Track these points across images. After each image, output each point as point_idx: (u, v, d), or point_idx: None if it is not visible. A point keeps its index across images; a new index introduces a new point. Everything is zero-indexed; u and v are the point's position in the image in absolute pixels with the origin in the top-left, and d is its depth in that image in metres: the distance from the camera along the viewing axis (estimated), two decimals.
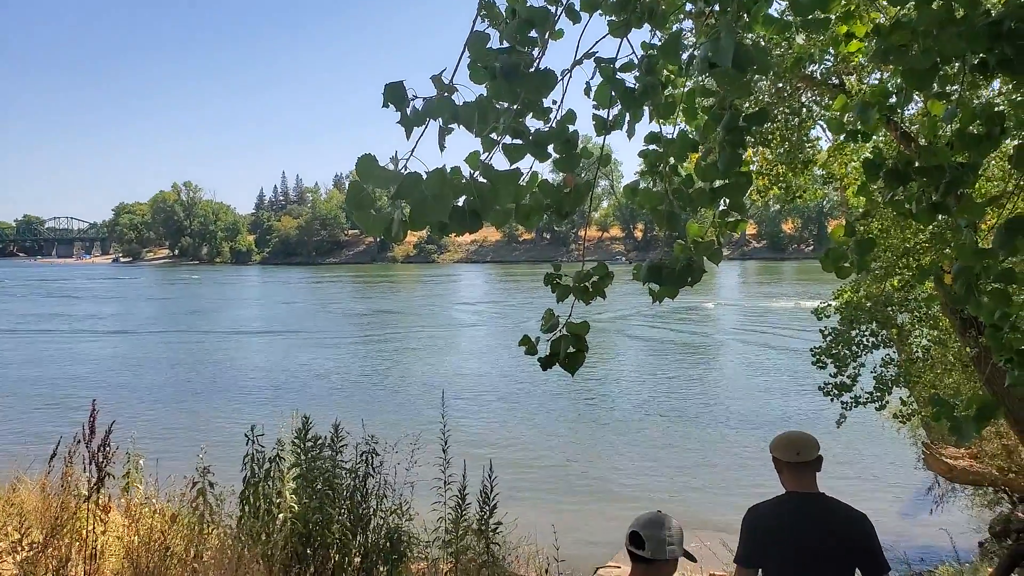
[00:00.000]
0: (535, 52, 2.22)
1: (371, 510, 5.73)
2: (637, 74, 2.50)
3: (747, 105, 6.28)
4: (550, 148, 2.26)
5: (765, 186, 8.72)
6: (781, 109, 8.07)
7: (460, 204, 1.94)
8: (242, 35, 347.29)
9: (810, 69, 7.42)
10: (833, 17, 2.69)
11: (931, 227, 6.57)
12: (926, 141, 5.14)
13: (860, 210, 8.23)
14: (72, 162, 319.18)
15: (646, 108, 2.53)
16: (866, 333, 9.83)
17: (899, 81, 2.62)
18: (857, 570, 3.25)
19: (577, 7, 2.31)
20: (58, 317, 46.75)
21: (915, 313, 9.70)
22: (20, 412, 20.40)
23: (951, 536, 10.10)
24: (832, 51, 6.32)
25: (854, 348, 9.80)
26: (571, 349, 2.37)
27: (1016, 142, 3.36)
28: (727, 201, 2.69)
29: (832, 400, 9.97)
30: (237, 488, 6.03)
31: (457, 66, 1.95)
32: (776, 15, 2.48)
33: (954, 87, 2.70)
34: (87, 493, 5.36)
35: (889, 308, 9.52)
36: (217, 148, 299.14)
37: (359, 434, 5.98)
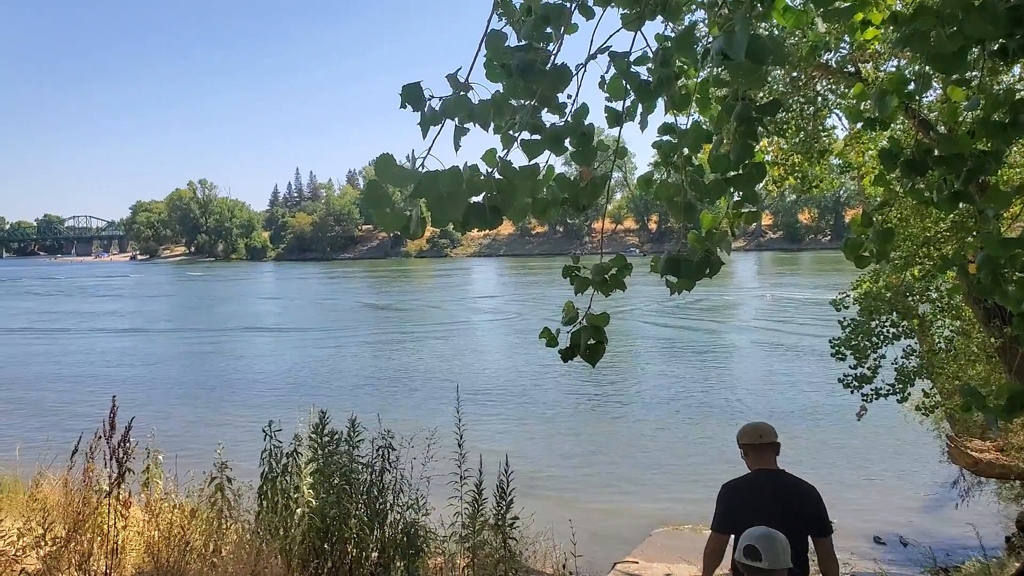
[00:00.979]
0: (550, 47, 2.21)
1: (388, 505, 5.73)
2: (651, 67, 2.49)
3: (760, 95, 6.22)
4: (566, 142, 2.26)
5: (780, 176, 8.64)
6: (796, 98, 7.99)
7: (479, 201, 1.94)
8: (254, 35, 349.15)
9: (825, 57, 7.33)
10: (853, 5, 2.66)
11: (952, 216, 6.48)
12: (946, 129, 5.06)
13: (878, 199, 8.14)
14: (90, 162, 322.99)
15: (660, 100, 2.52)
16: (886, 324, 9.74)
17: (917, 68, 2.58)
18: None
19: (590, 2, 2.30)
20: (77, 315, 47.33)
21: (937, 303, 9.59)
22: (42, 408, 20.70)
23: (977, 531, 9.95)
24: (848, 39, 6.24)
25: (874, 339, 9.71)
26: (591, 341, 2.37)
27: None
28: (739, 192, 2.68)
29: (852, 392, 9.89)
30: (254, 483, 6.06)
31: (473, 64, 1.94)
32: (794, 5, 2.45)
33: (974, 73, 2.65)
34: (108, 488, 5.41)
35: (910, 298, 9.42)
36: (232, 146, 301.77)
37: (375, 429, 5.99)
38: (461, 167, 1.92)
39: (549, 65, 2.14)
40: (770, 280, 61.58)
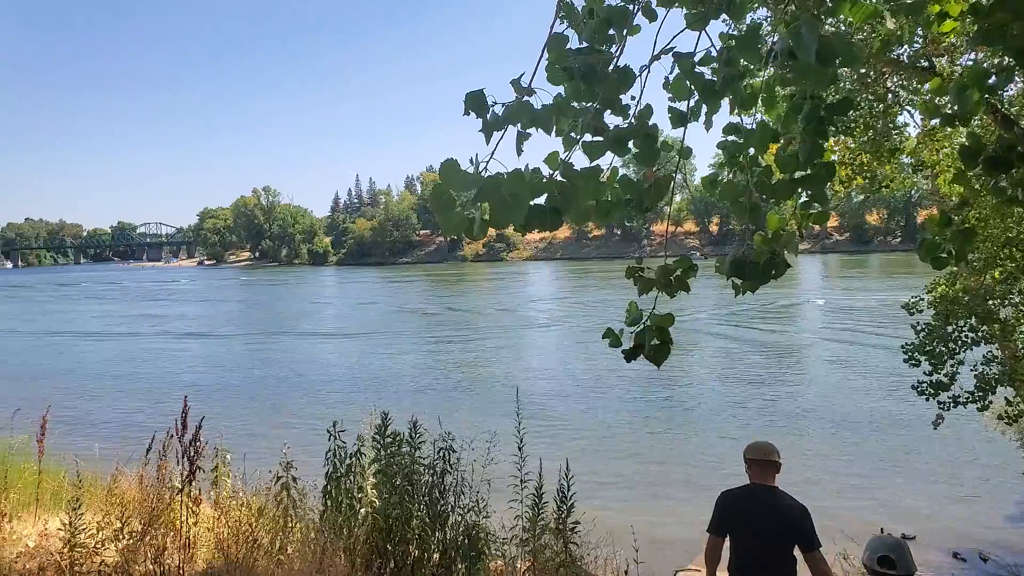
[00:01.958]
0: (613, 49, 2.20)
1: (449, 507, 5.78)
2: (715, 66, 2.45)
3: (827, 94, 6.04)
4: (629, 143, 2.24)
5: (848, 176, 8.37)
6: (865, 96, 7.73)
7: (541, 203, 1.95)
8: (313, 48, 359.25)
9: (896, 52, 7.06)
10: None
11: None
12: None
13: (955, 199, 7.80)
14: (160, 170, 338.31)
15: (724, 100, 2.48)
16: (964, 329, 9.31)
17: (998, 61, 2.47)
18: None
19: (654, 4, 2.28)
20: (149, 318, 49.46)
21: (1020, 307, 9.11)
22: (118, 407, 21.69)
23: None
24: (921, 32, 6.00)
25: (951, 345, 9.30)
26: (656, 341, 2.35)
27: None
28: (808, 192, 2.63)
29: (927, 400, 9.49)
30: (318, 483, 6.19)
31: (536, 69, 1.95)
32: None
33: None
34: (180, 486, 5.62)
35: (990, 302, 8.97)
36: (294, 154, 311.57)
37: (436, 431, 6.05)
38: (523, 170, 1.93)
39: (612, 67, 2.14)
40: (837, 283, 59.66)
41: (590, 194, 2.13)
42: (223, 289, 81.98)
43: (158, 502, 5.67)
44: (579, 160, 2.12)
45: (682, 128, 2.52)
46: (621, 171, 2.36)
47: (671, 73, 2.43)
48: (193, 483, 5.65)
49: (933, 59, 7.05)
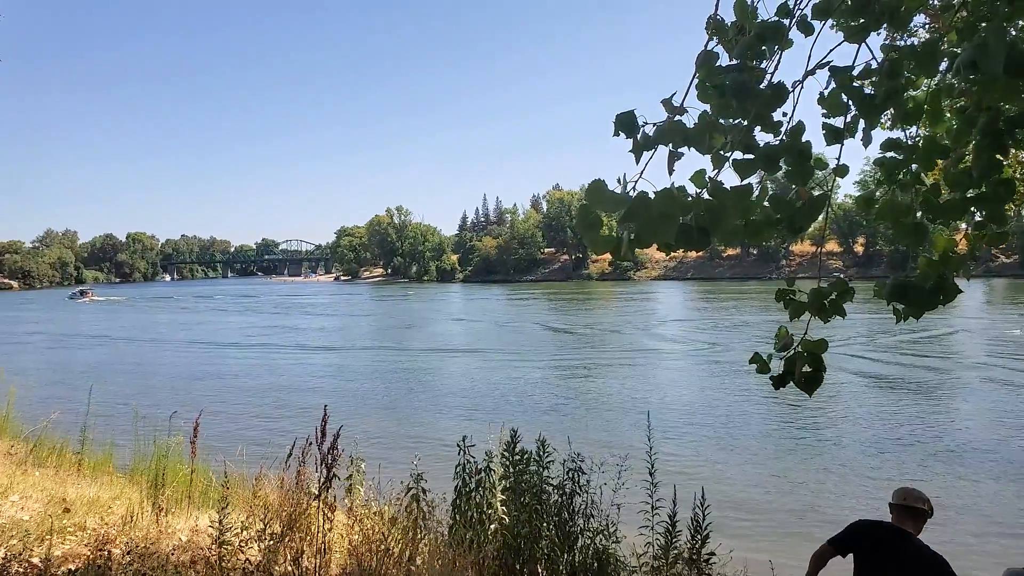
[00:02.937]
0: (764, 65, 2.14)
1: (578, 528, 5.72)
2: (875, 79, 2.33)
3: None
4: (780, 161, 2.16)
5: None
6: None
7: (687, 222, 1.91)
8: (443, 72, 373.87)
9: None
10: None
11: None
12: None
13: None
14: (302, 190, 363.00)
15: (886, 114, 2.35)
16: None
17: None
18: None
19: (810, 17, 2.19)
20: (291, 330, 52.88)
21: None
22: (262, 414, 23.19)
23: None
24: None
25: None
26: (807, 368, 2.23)
27: None
28: (983, 212, 2.42)
29: None
30: (446, 496, 6.30)
31: (688, 87, 1.92)
32: None
33: None
34: (317, 492, 5.89)
35: None
36: (425, 173, 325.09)
37: (565, 451, 6.01)
38: (673, 190, 1.90)
39: (765, 83, 2.07)
40: (1006, 310, 54.19)
41: (739, 213, 2.07)
42: (358, 304, 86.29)
43: (296, 506, 5.92)
44: (726, 178, 2.06)
45: (837, 145, 2.41)
46: (757, 188, 2.28)
47: (826, 88, 2.34)
48: (329, 490, 5.90)
49: None
